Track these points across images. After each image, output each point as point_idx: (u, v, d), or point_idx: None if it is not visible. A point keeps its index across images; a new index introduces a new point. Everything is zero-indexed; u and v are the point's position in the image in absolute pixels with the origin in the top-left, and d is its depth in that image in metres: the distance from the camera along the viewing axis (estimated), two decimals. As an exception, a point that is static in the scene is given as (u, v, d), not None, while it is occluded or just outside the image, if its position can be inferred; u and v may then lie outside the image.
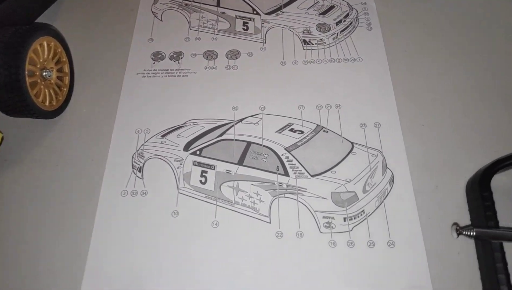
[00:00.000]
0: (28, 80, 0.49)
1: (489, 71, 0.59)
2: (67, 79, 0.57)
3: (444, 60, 0.60)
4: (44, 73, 0.52)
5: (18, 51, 0.47)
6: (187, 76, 0.60)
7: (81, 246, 0.48)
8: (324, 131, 0.54)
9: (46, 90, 0.53)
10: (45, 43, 0.52)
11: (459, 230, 0.42)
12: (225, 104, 0.57)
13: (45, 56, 0.52)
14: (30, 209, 0.51)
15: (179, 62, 0.61)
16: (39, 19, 0.60)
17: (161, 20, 0.65)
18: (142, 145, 0.54)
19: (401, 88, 0.57)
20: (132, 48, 0.62)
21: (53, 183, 0.52)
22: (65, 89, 0.56)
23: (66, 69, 0.57)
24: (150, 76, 0.60)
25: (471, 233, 0.41)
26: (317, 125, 0.55)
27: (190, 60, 0.61)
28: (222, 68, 0.60)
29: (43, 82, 0.52)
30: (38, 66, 0.51)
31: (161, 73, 0.60)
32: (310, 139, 0.53)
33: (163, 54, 0.62)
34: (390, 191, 0.50)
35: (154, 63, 0.61)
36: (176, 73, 0.60)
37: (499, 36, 0.62)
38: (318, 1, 0.66)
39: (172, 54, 0.62)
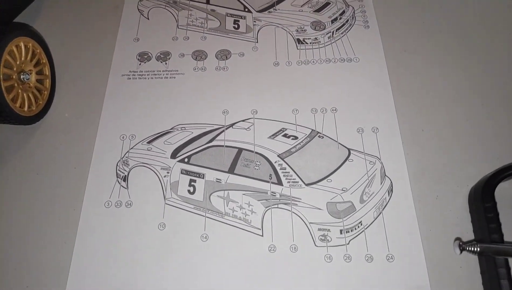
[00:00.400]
0: (3, 84, 0.45)
1: (491, 73, 0.56)
2: (47, 82, 0.53)
3: (445, 61, 0.57)
4: (21, 76, 0.49)
5: (-9, 54, 0.44)
6: (174, 77, 0.57)
7: (62, 259, 0.45)
8: (319, 136, 0.51)
9: (25, 94, 0.49)
10: (22, 44, 0.49)
11: (462, 246, 0.40)
12: (215, 108, 0.54)
13: (23, 58, 0.49)
14: (8, 220, 0.48)
15: (166, 63, 0.58)
16: (17, 19, 0.57)
17: (148, 18, 0.62)
18: (127, 152, 0.51)
19: (400, 91, 0.55)
20: (117, 48, 0.59)
21: (33, 192, 0.49)
22: (45, 92, 0.53)
23: (47, 71, 0.53)
24: (136, 78, 0.57)
25: (475, 249, 0.39)
26: (312, 130, 0.52)
27: (178, 60, 0.58)
28: (212, 69, 0.57)
29: (21, 86, 0.49)
30: (15, 68, 0.48)
31: (148, 74, 0.57)
32: (305, 145, 0.51)
33: (150, 54, 0.58)
34: (388, 201, 0.47)
35: (140, 64, 0.58)
36: (163, 74, 0.57)
37: (502, 36, 0.59)
38: (312, -2, 0.63)
39: (159, 54, 0.58)
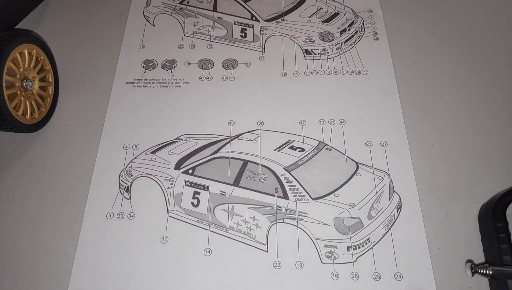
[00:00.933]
0: (6, 92, 0.44)
1: (502, 87, 0.55)
2: (51, 89, 0.53)
3: (455, 74, 0.56)
4: (24, 84, 0.48)
5: (-5, 61, 0.43)
6: (180, 86, 0.56)
7: (62, 272, 0.44)
8: (327, 149, 0.50)
9: (27, 102, 0.49)
10: (25, 51, 0.48)
11: (474, 268, 0.38)
12: (221, 119, 0.53)
13: (26, 65, 0.48)
14: (8, 230, 0.47)
15: (171, 72, 0.57)
16: (20, 25, 0.56)
17: (154, 25, 0.61)
18: (130, 162, 0.50)
19: (409, 104, 0.54)
20: (122, 55, 0.58)
21: (33, 202, 0.48)
22: (48, 99, 0.52)
23: (50, 78, 0.52)
24: (141, 86, 0.56)
25: (487, 272, 0.38)
26: (320, 142, 0.51)
27: (183, 69, 0.57)
28: (218, 79, 0.56)
29: (23, 93, 0.48)
30: (18, 76, 0.47)
31: (153, 82, 0.56)
32: (312, 157, 0.50)
33: (155, 62, 0.58)
34: (397, 217, 0.46)
35: (145, 72, 0.57)
36: (169, 83, 0.56)
37: (513, 49, 0.59)
38: (321, 8, 0.62)
39: (164, 62, 0.58)
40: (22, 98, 0.48)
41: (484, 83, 0.55)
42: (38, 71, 0.50)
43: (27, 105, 0.48)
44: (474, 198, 0.47)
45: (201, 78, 0.56)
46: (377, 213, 0.46)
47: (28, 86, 0.48)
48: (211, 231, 0.46)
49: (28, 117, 0.49)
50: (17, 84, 0.47)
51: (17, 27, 0.52)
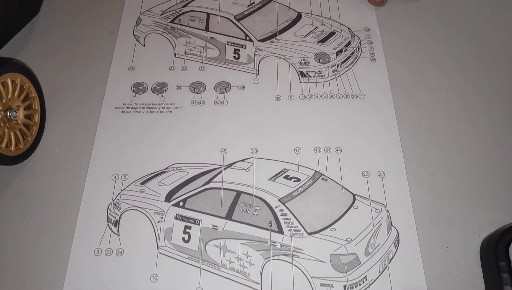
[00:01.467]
0: (-13, 125, 0.43)
1: (505, 111, 0.53)
2: (37, 117, 0.51)
3: (456, 97, 0.54)
4: (8, 114, 0.46)
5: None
6: (171, 111, 0.54)
7: (48, 313, 0.43)
8: (323, 179, 0.49)
9: (11, 133, 0.47)
10: (8, 81, 0.46)
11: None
12: (213, 146, 0.51)
13: (9, 95, 0.46)
14: (-8, 266, 0.45)
15: (162, 96, 0.55)
16: (4, 49, 0.54)
17: (144, 45, 0.59)
18: (119, 193, 0.48)
19: (407, 131, 0.52)
20: (111, 77, 0.56)
21: (19, 236, 0.46)
22: (34, 128, 0.50)
23: (36, 105, 0.51)
24: (130, 111, 0.54)
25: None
26: (315, 171, 0.49)
27: (175, 93, 0.55)
28: (210, 103, 0.54)
29: (7, 124, 0.46)
30: (1, 107, 0.45)
31: (142, 107, 0.54)
32: (308, 188, 0.48)
33: (145, 85, 0.56)
34: (395, 253, 0.44)
35: (134, 96, 0.55)
36: (159, 108, 0.54)
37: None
38: (316, 27, 0.60)
39: (155, 85, 0.56)
40: (6, 130, 0.46)
41: (487, 107, 0.54)
42: (22, 99, 0.48)
43: (11, 136, 0.47)
44: (476, 231, 0.46)
45: (193, 102, 0.54)
46: (374, 249, 0.44)
47: (12, 117, 0.46)
48: (202, 268, 0.44)
49: (12, 149, 0.47)
50: (0, 116, 0.45)
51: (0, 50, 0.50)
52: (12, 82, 0.47)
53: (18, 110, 0.48)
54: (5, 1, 0.53)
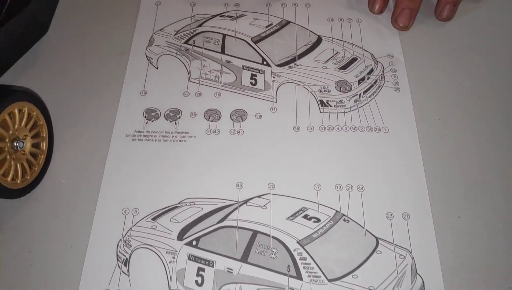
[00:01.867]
0: (-7, 159, 0.40)
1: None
2: (44, 144, 0.48)
3: (485, 132, 0.52)
4: (15, 145, 0.44)
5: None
6: (184, 141, 0.51)
7: None
8: (344, 220, 0.46)
9: (18, 164, 0.44)
10: (16, 110, 0.43)
11: None
12: (228, 180, 0.49)
13: (16, 126, 0.44)
14: (-5, 304, 0.43)
15: (176, 123, 0.52)
16: (11, 69, 0.51)
17: (157, 68, 0.57)
18: (129, 230, 0.46)
19: (434, 168, 0.49)
20: (122, 102, 0.54)
21: (23, 273, 0.44)
22: (42, 156, 0.48)
23: (44, 132, 0.48)
24: (142, 140, 0.51)
25: None
26: (336, 211, 0.47)
27: (189, 121, 0.53)
28: (226, 133, 0.52)
29: (14, 156, 0.44)
30: (7, 140, 0.43)
31: (155, 136, 0.52)
32: (328, 230, 0.46)
33: (158, 111, 0.53)
34: (421, 305, 0.42)
35: (147, 123, 0.53)
36: (172, 136, 0.52)
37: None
38: (338, 52, 0.57)
39: (168, 112, 0.53)
40: (12, 162, 0.43)
41: (517, 144, 0.51)
42: (30, 127, 0.46)
43: (18, 168, 0.44)
44: (508, 282, 0.43)
45: (208, 131, 0.52)
46: (399, 300, 0.42)
47: (19, 148, 0.44)
48: (216, 316, 0.42)
49: (19, 181, 0.44)
50: (6, 148, 0.43)
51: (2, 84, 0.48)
52: (19, 111, 0.44)
53: (25, 139, 0.46)
54: (15, 19, 0.51)
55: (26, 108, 0.45)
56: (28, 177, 0.46)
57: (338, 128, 0.52)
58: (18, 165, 0.45)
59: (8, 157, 0.43)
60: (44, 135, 0.48)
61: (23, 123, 0.45)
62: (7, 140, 0.43)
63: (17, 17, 0.50)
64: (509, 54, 0.58)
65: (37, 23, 0.55)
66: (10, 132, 0.43)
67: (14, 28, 0.51)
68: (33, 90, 0.48)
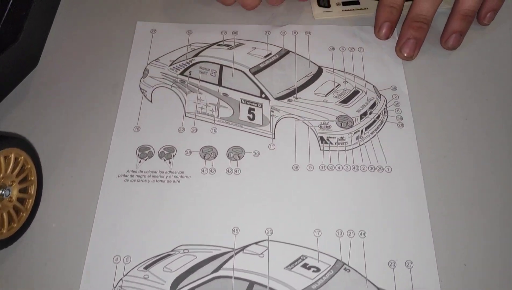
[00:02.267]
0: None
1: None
2: (33, 188, 0.46)
3: (493, 171, 0.49)
4: (1, 193, 0.42)
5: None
6: (179, 181, 0.49)
7: None
8: (345, 269, 0.44)
9: (4, 213, 0.42)
10: (1, 158, 0.42)
11: None
12: (224, 225, 0.47)
13: (2, 173, 0.42)
14: None
15: (170, 162, 0.50)
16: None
17: (151, 101, 0.55)
18: (121, 279, 0.44)
19: (439, 211, 0.47)
20: (114, 140, 0.52)
21: (10, 325, 0.43)
22: (30, 200, 0.46)
23: (32, 176, 0.46)
24: (135, 180, 0.49)
25: None
26: (337, 260, 0.45)
27: (183, 159, 0.51)
28: (222, 172, 0.50)
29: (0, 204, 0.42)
30: (-5, 182, 0.41)
31: (148, 176, 0.50)
32: (328, 280, 0.43)
33: (152, 149, 0.51)
34: None
35: (140, 162, 0.51)
36: (166, 176, 0.50)
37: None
38: (339, 84, 0.55)
39: (162, 149, 0.51)
40: (-2, 210, 0.42)
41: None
42: (17, 173, 0.44)
43: (4, 217, 0.42)
44: (515, 338, 0.41)
45: (203, 170, 0.50)
46: None
47: (5, 196, 0.42)
48: None
49: (5, 230, 0.43)
50: (-10, 198, 0.41)
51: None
52: (5, 157, 0.42)
53: (12, 185, 0.44)
54: (4, 56, 0.49)
55: (12, 154, 0.43)
56: (15, 225, 0.44)
57: (339, 167, 0.50)
58: (4, 214, 0.43)
59: (-7, 206, 0.41)
60: (33, 178, 0.47)
61: (9, 169, 0.43)
62: (-8, 189, 0.41)
63: (5, 53, 0.48)
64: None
65: (27, 58, 0.53)
66: (-4, 180, 0.41)
67: (2, 64, 0.49)
68: (21, 128, 0.47)
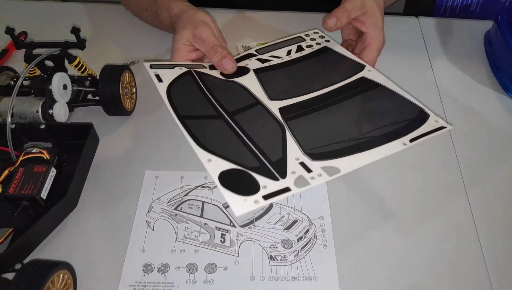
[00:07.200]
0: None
1: None
2: (70, 296, 0.68)
3: (401, 282, 0.71)
4: (51, 303, 0.64)
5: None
6: (171, 290, 0.71)
7: None
8: None
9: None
10: (55, 278, 0.64)
11: None
12: (201, 322, 0.67)
13: (56, 287, 0.64)
14: None
15: (165, 275, 0.72)
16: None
17: (153, 230, 0.78)
18: None
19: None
20: (127, 258, 0.74)
21: None
22: (67, 309, 0.67)
23: (71, 288, 0.68)
24: (140, 289, 0.71)
25: None
26: None
27: (174, 273, 0.73)
28: (201, 283, 0.72)
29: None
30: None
31: (150, 286, 0.71)
32: None
33: (152, 265, 0.74)
34: None
35: (144, 275, 0.73)
36: (162, 286, 0.71)
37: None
38: (283, 215, 0.80)
39: (160, 266, 0.73)
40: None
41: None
42: (62, 287, 0.66)
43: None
44: None
45: (188, 281, 0.72)
46: None
47: (54, 304, 0.64)
48: None
49: (51, 328, 0.63)
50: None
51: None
52: (57, 276, 0.65)
53: (58, 298, 0.65)
54: (60, 204, 0.73)
55: (61, 274, 0.65)
56: (57, 328, 0.65)
57: (282, 278, 0.72)
58: (53, 316, 0.64)
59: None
60: (71, 290, 0.68)
61: (59, 284, 0.65)
62: (50, 297, 0.63)
63: (58, 204, 0.73)
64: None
65: (70, 205, 0.78)
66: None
67: (56, 211, 0.73)
68: (62, 252, 0.69)
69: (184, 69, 0.86)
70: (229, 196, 0.62)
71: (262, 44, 1.07)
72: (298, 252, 0.75)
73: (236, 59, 0.90)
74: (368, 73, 0.84)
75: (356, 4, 0.88)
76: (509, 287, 0.70)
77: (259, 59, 0.93)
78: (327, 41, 0.96)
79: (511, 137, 0.93)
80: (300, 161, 0.67)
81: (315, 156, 0.68)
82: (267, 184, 0.64)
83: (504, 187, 0.83)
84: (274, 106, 0.80)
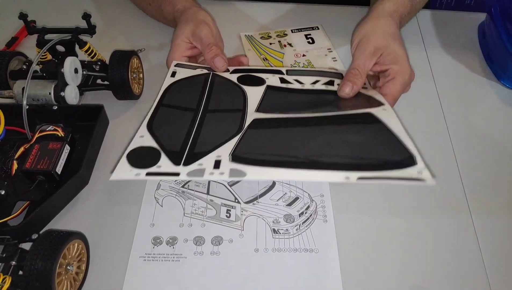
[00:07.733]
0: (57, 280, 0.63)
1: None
2: (84, 266, 0.71)
3: (396, 254, 0.75)
4: (68, 268, 0.67)
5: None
6: (179, 261, 0.75)
7: None
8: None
9: (67, 281, 0.67)
10: (71, 246, 0.67)
11: None
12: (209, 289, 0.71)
13: (70, 255, 0.67)
14: None
15: (173, 247, 0.76)
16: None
17: (162, 206, 0.82)
18: (140, 327, 0.67)
19: (351, 283, 0.71)
20: (137, 232, 0.78)
21: None
22: (81, 274, 0.71)
23: (84, 257, 0.72)
24: (150, 260, 0.75)
25: None
26: (280, 311, 0.68)
27: (182, 245, 0.76)
28: (207, 254, 0.75)
29: (65, 276, 0.67)
30: (64, 266, 0.66)
31: (159, 257, 0.75)
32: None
33: (161, 238, 0.77)
34: None
35: (153, 247, 0.76)
36: (171, 257, 0.75)
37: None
38: (286, 193, 0.84)
39: (168, 239, 0.77)
40: (64, 280, 0.66)
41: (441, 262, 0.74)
42: (76, 256, 0.70)
43: (67, 284, 0.67)
44: None
45: (195, 253, 0.75)
46: None
47: (70, 270, 0.67)
48: None
49: (67, 293, 0.67)
50: (63, 272, 0.66)
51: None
52: (72, 245, 0.68)
53: (73, 264, 0.69)
54: (68, 183, 0.77)
55: (76, 243, 0.69)
56: (73, 290, 0.69)
57: (284, 250, 0.75)
58: (67, 282, 0.67)
59: (63, 278, 0.66)
60: (84, 259, 0.72)
61: (73, 253, 0.68)
62: (64, 266, 0.66)
63: (72, 179, 0.76)
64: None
65: (83, 180, 0.81)
66: (67, 260, 0.67)
67: (70, 186, 0.77)
68: (78, 224, 0.73)
69: (205, 71, 0.90)
70: (122, 163, 0.66)
71: (264, 33, 1.11)
72: (299, 226, 0.78)
73: (261, 70, 0.92)
74: (381, 111, 0.72)
75: (368, 51, 0.78)
76: (508, 287, 0.73)
77: (281, 78, 0.88)
78: (365, 88, 0.83)
79: (504, 122, 0.97)
80: (218, 158, 0.67)
81: (236, 159, 0.66)
82: (163, 165, 0.66)
83: (500, 174, 0.87)
84: (252, 116, 0.76)
